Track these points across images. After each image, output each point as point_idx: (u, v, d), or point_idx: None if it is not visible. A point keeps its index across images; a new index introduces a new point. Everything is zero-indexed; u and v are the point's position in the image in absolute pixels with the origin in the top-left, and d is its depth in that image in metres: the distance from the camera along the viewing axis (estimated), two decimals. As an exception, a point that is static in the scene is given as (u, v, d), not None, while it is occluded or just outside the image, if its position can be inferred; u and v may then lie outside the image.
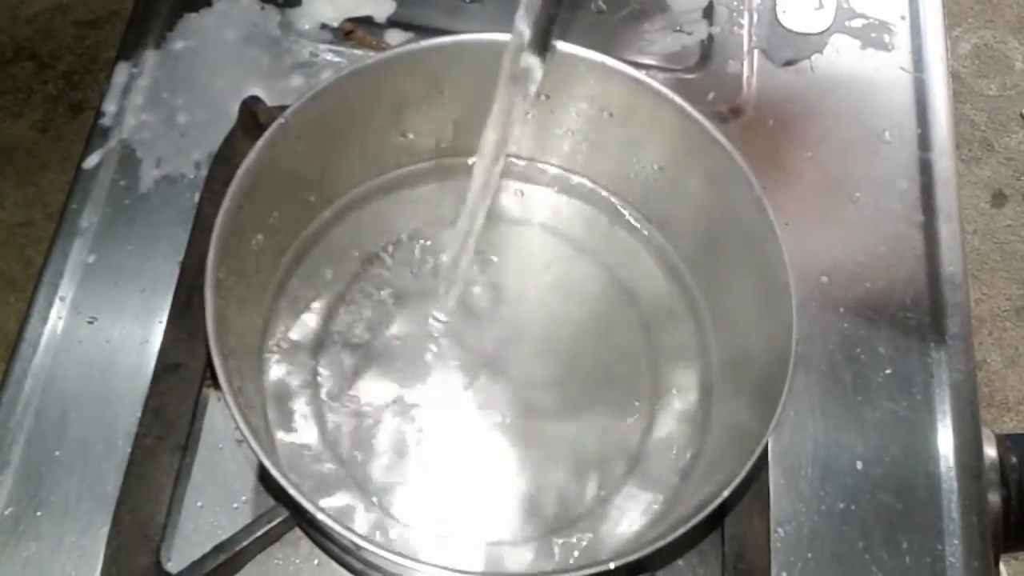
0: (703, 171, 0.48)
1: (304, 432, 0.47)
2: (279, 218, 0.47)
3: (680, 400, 0.49)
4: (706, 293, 0.51)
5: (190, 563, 0.44)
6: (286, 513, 0.44)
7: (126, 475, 0.46)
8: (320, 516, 0.35)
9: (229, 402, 0.36)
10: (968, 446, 0.51)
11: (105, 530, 0.45)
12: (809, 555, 0.47)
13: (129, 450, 0.46)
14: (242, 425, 0.36)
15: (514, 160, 0.54)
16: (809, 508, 0.48)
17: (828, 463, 0.50)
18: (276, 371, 0.48)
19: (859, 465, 0.50)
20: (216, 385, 0.39)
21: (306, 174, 0.48)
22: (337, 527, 0.35)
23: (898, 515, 0.49)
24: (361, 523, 0.45)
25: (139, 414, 0.47)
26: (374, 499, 0.46)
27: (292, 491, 0.35)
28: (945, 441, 0.51)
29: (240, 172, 0.41)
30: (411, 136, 0.52)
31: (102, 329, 0.50)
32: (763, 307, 0.45)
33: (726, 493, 0.37)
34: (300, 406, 0.48)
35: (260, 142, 0.43)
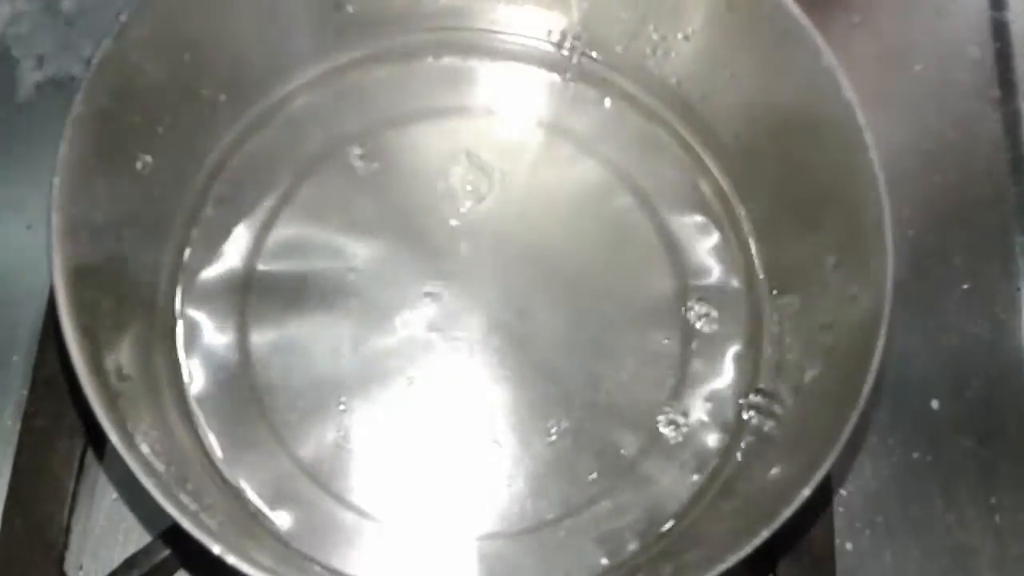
0: (747, 38, 0.41)
1: (229, 402, 0.39)
2: (174, 127, 0.39)
3: (720, 338, 0.42)
4: (747, 200, 0.44)
5: (94, 583, 0.37)
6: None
7: (15, 467, 0.40)
8: (225, 559, 0.25)
9: (88, 395, 0.27)
10: (1067, 372, 0.46)
11: (-6, 537, 0.39)
12: (879, 519, 0.43)
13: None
14: (106, 427, 0.26)
15: (485, 31, 0.46)
16: (875, 461, 0.44)
17: (897, 403, 0.45)
18: (187, 325, 0.40)
19: (935, 404, 0.45)
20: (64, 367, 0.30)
21: (209, 66, 0.40)
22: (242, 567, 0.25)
23: (984, 464, 0.44)
24: (316, 525, 0.38)
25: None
26: (332, 489, 0.39)
27: (179, 519, 0.25)
28: (1039, 369, 0.46)
29: (94, 64, 0.32)
30: (350, 8, 0.44)
31: (-21, 278, 0.45)
32: (831, 224, 0.38)
33: (807, 492, 0.28)
34: (222, 368, 0.40)
35: (123, 17, 0.33)
